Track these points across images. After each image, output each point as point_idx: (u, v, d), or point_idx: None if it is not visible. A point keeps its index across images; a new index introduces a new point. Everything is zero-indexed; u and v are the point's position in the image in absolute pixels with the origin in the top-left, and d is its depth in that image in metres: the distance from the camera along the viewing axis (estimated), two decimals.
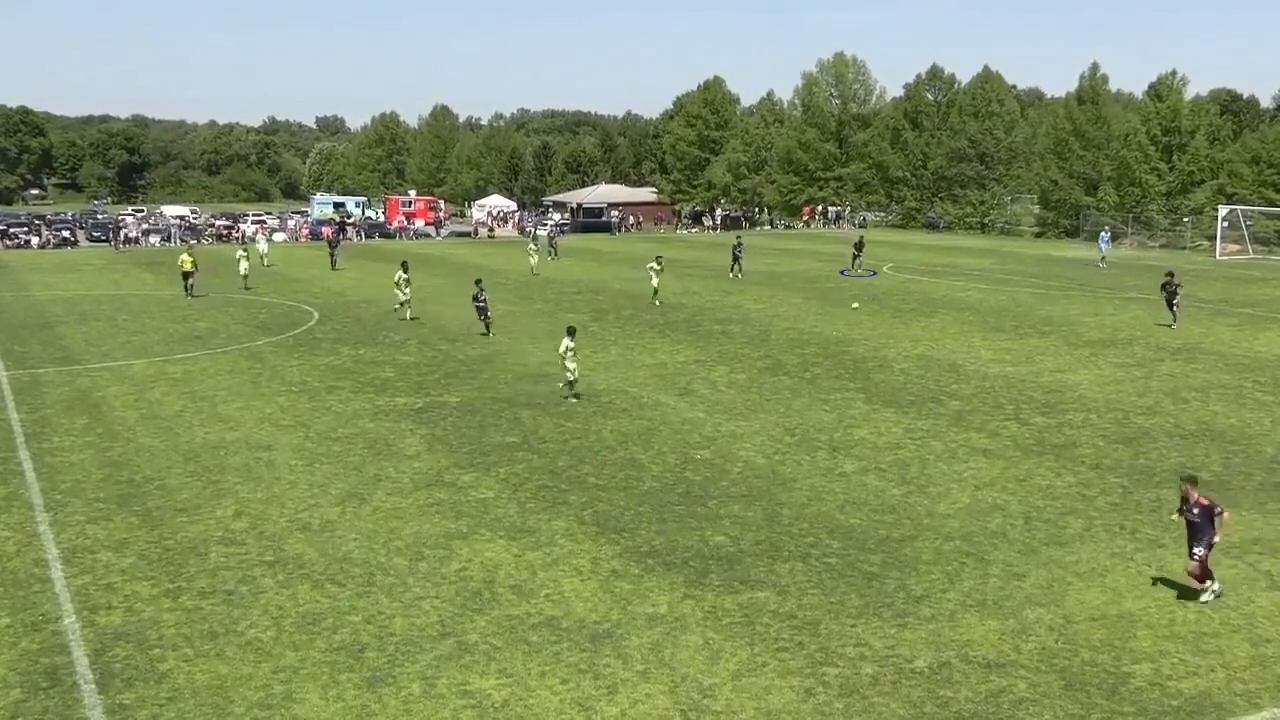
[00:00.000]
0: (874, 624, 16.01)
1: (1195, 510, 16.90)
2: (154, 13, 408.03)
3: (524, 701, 13.78)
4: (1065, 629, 15.82)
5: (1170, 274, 44.12)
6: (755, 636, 15.61)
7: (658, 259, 51.66)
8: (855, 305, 30.72)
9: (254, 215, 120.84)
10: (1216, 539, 16.82)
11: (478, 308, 41.85)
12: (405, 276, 45.91)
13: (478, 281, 42.91)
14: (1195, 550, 16.80)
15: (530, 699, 13.84)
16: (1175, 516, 17.64)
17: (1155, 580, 17.62)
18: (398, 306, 46.21)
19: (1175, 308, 43.24)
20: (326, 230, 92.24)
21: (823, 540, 19.47)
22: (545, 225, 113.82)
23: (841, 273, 65.00)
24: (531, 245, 71.06)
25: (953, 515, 20.83)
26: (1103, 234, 76.69)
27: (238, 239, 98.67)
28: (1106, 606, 16.61)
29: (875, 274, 63.88)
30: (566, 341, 30.08)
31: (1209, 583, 16.81)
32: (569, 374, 30.16)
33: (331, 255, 71.97)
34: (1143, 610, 16.48)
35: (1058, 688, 14.12)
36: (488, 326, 41.74)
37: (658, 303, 47.89)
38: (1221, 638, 15.58)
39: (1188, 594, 17.07)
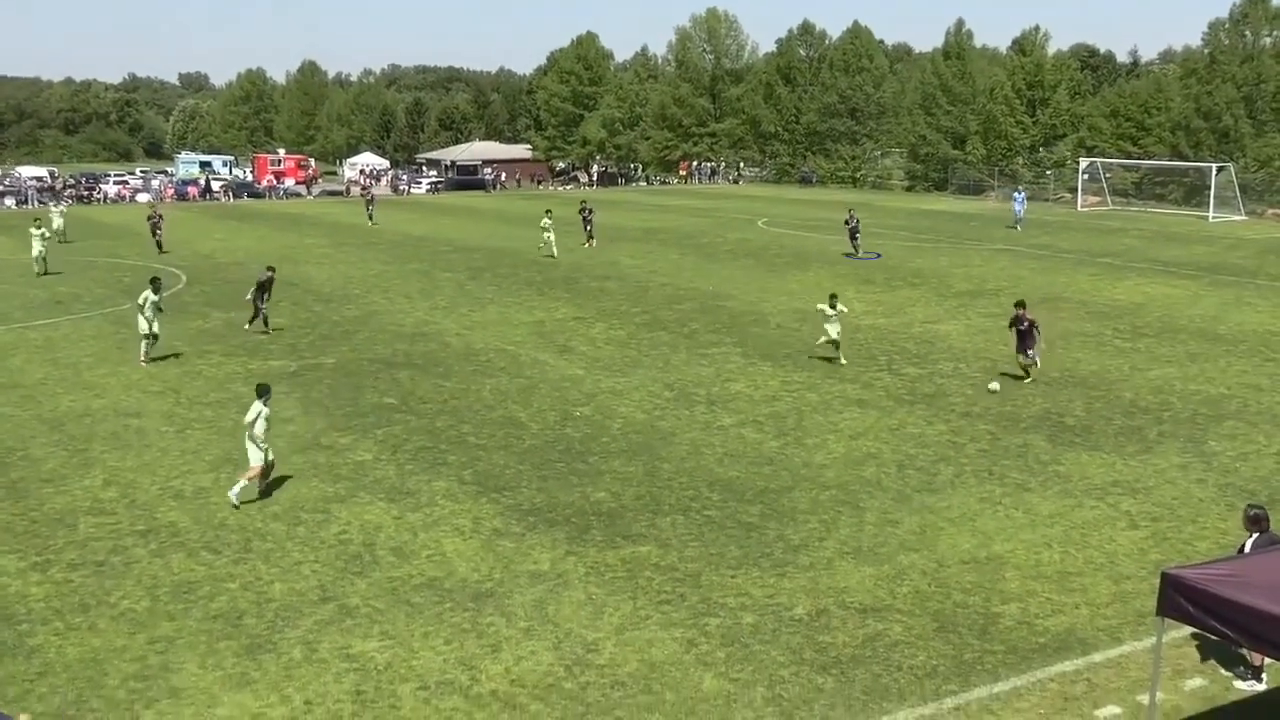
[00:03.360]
0: (754, 574, 16.28)
1: None
2: None
3: (407, 663, 13.74)
4: (937, 573, 16.28)
5: (1020, 305, 27.65)
6: (638, 590, 15.76)
7: (833, 299, 29.86)
8: (994, 387, 25.24)
9: (115, 175, 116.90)
10: None
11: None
12: (154, 298, 30.02)
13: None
14: None
15: (414, 660, 13.81)
16: None
17: (1022, 523, 18.22)
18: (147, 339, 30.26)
19: (1033, 347, 27.45)
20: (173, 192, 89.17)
21: (703, 493, 19.70)
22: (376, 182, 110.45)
23: (845, 256, 52.11)
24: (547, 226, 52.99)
25: (829, 465, 21.23)
26: (1017, 194, 69.12)
27: (85, 199, 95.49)
28: (976, 550, 17.13)
29: (879, 256, 52.04)
30: (258, 407, 19.32)
31: None
32: (252, 455, 19.43)
33: (155, 235, 55.58)
34: (1010, 553, 17.02)
35: (931, 630, 14.54)
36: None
37: (843, 360, 29.63)
38: (1085, 576, 16.18)
39: (1053, 536, 17.68)
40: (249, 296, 34.50)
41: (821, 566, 16.53)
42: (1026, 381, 27.12)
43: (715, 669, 13.57)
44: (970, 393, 26.47)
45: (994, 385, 26.22)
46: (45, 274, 46.62)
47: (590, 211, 58.12)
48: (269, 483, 19.89)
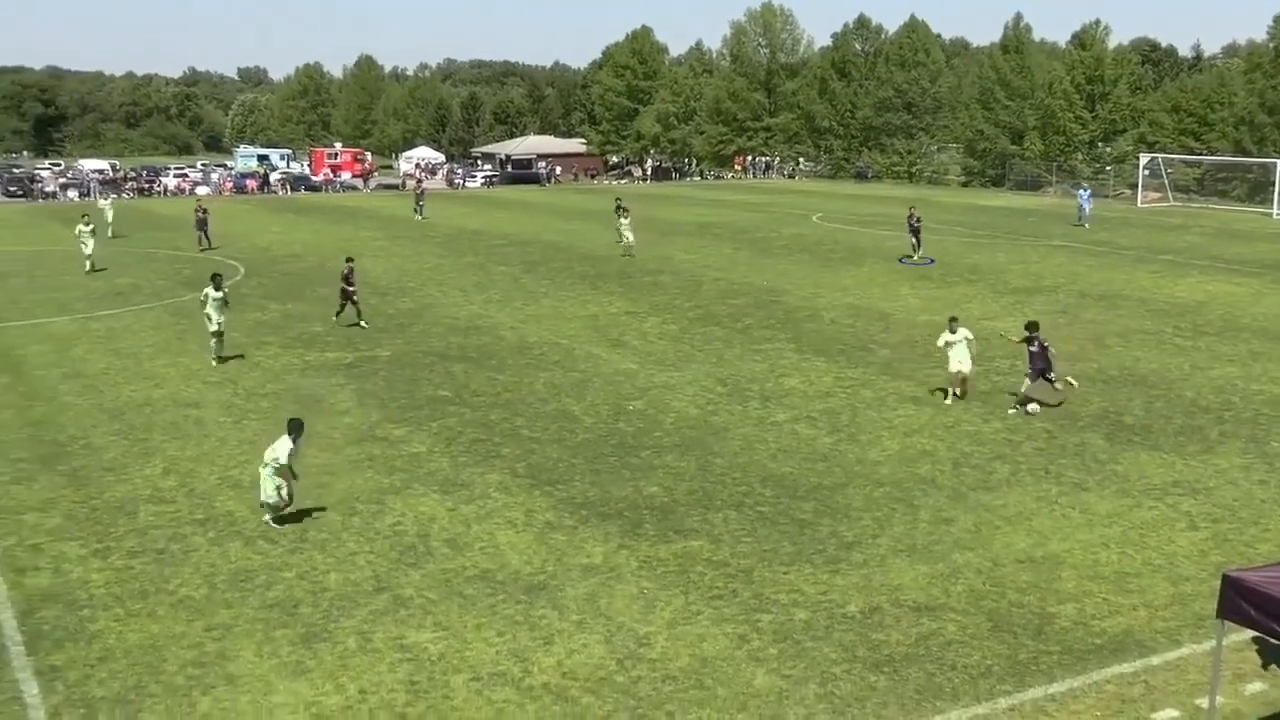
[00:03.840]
0: (806, 570, 16.22)
1: None
2: None
3: (460, 654, 13.82)
4: (992, 572, 16.14)
5: (1032, 326, 24.95)
6: (690, 585, 15.75)
7: (953, 322, 25.61)
8: (1033, 409, 22.74)
9: (175, 168, 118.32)
10: None
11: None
12: (216, 295, 29.27)
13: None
14: None
15: (467, 651, 13.88)
16: None
17: (1079, 523, 18.01)
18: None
19: (1051, 376, 24.56)
20: (238, 180, 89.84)
21: (755, 489, 19.65)
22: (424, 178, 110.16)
23: (900, 260, 49.00)
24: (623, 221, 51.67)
25: (883, 462, 21.10)
26: (1082, 190, 68.07)
27: (132, 192, 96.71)
28: (1032, 549, 16.95)
29: (933, 261, 48.27)
30: (285, 445, 17.97)
31: None
32: (271, 496, 18.01)
33: (203, 233, 54.13)
34: (1067, 552, 16.83)
35: (986, 629, 14.41)
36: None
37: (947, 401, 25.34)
38: (1143, 577, 15.97)
39: (1111, 536, 17.46)
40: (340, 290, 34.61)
41: (875, 564, 16.44)
42: (1071, 383, 24.76)
43: (767, 665, 13.53)
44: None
45: (1033, 407, 24.20)
46: (93, 270, 45.24)
47: (626, 213, 54.96)
48: (327, 474, 20.08)
